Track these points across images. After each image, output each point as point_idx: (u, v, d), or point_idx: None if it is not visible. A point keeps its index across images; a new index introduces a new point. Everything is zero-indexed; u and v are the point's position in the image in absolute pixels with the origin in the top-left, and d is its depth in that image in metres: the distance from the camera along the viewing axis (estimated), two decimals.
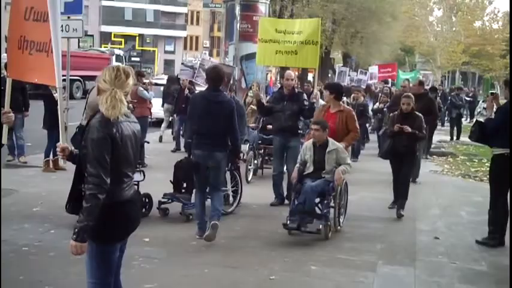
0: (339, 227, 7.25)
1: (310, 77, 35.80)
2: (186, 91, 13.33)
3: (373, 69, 27.40)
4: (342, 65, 39.17)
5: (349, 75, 24.59)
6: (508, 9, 72.17)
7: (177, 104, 13.68)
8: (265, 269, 5.74)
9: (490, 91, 9.15)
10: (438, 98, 15.92)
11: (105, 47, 47.36)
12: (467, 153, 16.00)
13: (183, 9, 67.41)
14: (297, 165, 7.31)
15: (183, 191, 7.74)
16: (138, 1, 64.09)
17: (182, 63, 15.53)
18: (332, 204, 7.11)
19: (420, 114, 8.24)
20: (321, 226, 6.75)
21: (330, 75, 39.67)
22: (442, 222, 8.11)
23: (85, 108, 8.94)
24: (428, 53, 59.40)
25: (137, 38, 63.40)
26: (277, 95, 8.87)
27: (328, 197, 6.96)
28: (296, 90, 8.99)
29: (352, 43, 37.73)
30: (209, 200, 6.87)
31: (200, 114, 6.58)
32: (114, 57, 32.90)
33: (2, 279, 4.76)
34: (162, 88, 16.60)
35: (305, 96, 8.90)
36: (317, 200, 7.02)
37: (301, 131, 8.71)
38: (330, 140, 7.16)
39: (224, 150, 6.62)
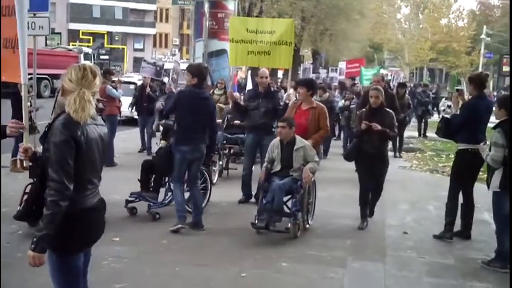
0: (307, 225, 7.21)
1: (280, 74, 35.89)
2: (148, 89, 12.98)
3: (343, 65, 27.35)
4: (311, 62, 39.39)
5: (318, 72, 24.43)
6: (472, 7, 73.54)
7: (139, 103, 13.12)
8: (236, 266, 5.75)
9: (456, 87, 9.27)
10: (407, 95, 15.83)
11: (73, 44, 46.73)
12: (435, 148, 16.27)
13: (151, 7, 66.89)
14: (265, 163, 7.25)
15: (150, 189, 7.69)
16: None
17: (144, 60, 15.16)
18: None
19: (391, 111, 7.54)
20: (289, 225, 6.73)
21: (299, 72, 39.83)
22: (410, 217, 8.23)
23: (54, 107, 8.83)
24: (397, 50, 60.10)
25: (106, 35, 62.70)
26: (252, 93, 8.88)
27: (296, 195, 6.87)
28: (272, 88, 8.97)
29: (321, 40, 37.94)
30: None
31: (188, 110, 6.85)
32: (82, 55, 32.48)
33: None
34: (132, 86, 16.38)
35: (281, 94, 8.93)
36: (285, 198, 6.98)
37: (274, 130, 8.71)
38: (297, 137, 7.09)
39: (205, 142, 6.97)
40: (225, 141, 10.58)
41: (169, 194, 7.67)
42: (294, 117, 7.45)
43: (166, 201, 7.67)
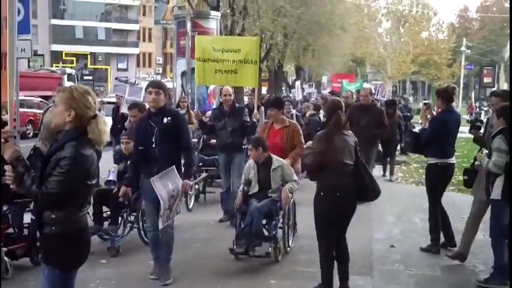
0: (288, 248, 6.93)
1: (264, 90, 35.99)
2: (123, 108, 11.95)
3: (325, 79, 27.00)
4: (295, 77, 39.58)
5: (302, 88, 24.28)
6: (451, 20, 74.67)
7: (113, 125, 11.56)
8: (224, 286, 5.73)
9: (423, 101, 9.19)
10: (398, 112, 14.61)
11: (56, 66, 46.62)
12: (419, 160, 16.33)
13: (134, 27, 66.99)
14: (241, 186, 6.92)
15: (104, 222, 7.06)
16: (88, 19, 63.40)
17: (116, 78, 14.60)
18: (280, 224, 6.76)
19: (351, 134, 5.49)
20: (270, 249, 6.44)
21: (283, 88, 40.02)
22: (397, 229, 8.27)
23: (39, 129, 8.76)
24: (379, 64, 60.64)
25: (89, 56, 62.66)
26: (217, 112, 8.65)
27: (276, 217, 6.59)
28: (237, 105, 8.73)
29: (304, 56, 38.20)
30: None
31: None
32: (65, 77, 32.37)
33: None
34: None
35: (246, 111, 8.59)
36: (264, 221, 6.67)
37: (245, 147, 8.53)
38: (274, 156, 6.76)
39: None
40: (201, 164, 10.07)
41: (128, 225, 7.11)
42: (267, 138, 7.21)
43: (126, 234, 7.08)
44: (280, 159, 6.83)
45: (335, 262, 5.46)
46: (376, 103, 12.17)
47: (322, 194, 5.31)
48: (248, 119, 8.35)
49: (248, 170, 6.88)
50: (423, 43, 60.34)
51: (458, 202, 8.95)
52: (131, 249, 7.01)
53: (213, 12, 17.01)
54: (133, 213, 7.11)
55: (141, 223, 7.08)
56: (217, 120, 8.42)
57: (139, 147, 5.85)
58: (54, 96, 3.56)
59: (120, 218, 7.04)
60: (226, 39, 10.99)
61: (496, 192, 5.83)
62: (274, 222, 6.59)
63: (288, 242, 6.98)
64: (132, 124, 7.49)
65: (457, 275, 6.28)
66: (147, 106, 6.32)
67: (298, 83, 23.83)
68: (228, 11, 26.13)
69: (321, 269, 5.41)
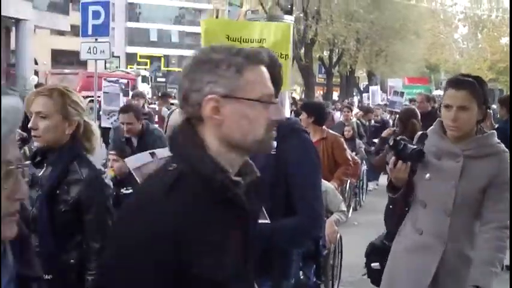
0: None
1: (335, 95, 35.71)
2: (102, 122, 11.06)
3: (393, 82, 23.17)
4: (367, 83, 39.09)
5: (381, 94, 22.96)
6: None
7: None
8: None
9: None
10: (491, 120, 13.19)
11: (130, 67, 48.04)
12: None
13: None
14: None
15: None
16: (163, 22, 65.08)
17: (105, 79, 12.34)
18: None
19: None
20: None
21: (354, 94, 39.63)
22: None
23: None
24: (454, 71, 59.03)
25: (162, 58, 64.26)
26: None
27: (319, 258, 4.46)
28: None
29: (376, 61, 37.75)
30: None
31: None
32: (140, 78, 33.27)
33: None
34: None
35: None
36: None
37: None
38: None
39: None
40: None
41: None
42: None
43: None
44: (324, 181, 4.73)
45: None
46: (436, 110, 11.29)
47: None
48: None
49: None
50: (502, 49, 58.27)
51: None
52: None
53: (286, 16, 16.87)
54: None
55: None
56: None
57: None
58: (33, 105, 2.65)
59: None
60: (245, 25, 8.06)
61: None
62: (315, 266, 4.47)
63: None
64: (121, 133, 5.79)
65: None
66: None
67: (377, 87, 22.13)
68: (301, 15, 26.16)
69: None
